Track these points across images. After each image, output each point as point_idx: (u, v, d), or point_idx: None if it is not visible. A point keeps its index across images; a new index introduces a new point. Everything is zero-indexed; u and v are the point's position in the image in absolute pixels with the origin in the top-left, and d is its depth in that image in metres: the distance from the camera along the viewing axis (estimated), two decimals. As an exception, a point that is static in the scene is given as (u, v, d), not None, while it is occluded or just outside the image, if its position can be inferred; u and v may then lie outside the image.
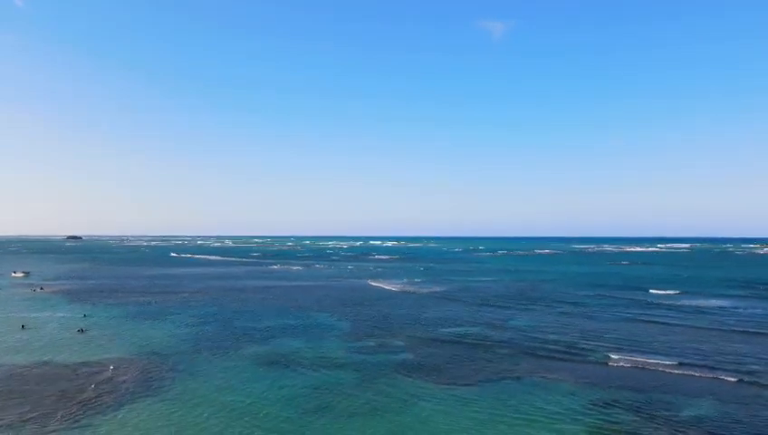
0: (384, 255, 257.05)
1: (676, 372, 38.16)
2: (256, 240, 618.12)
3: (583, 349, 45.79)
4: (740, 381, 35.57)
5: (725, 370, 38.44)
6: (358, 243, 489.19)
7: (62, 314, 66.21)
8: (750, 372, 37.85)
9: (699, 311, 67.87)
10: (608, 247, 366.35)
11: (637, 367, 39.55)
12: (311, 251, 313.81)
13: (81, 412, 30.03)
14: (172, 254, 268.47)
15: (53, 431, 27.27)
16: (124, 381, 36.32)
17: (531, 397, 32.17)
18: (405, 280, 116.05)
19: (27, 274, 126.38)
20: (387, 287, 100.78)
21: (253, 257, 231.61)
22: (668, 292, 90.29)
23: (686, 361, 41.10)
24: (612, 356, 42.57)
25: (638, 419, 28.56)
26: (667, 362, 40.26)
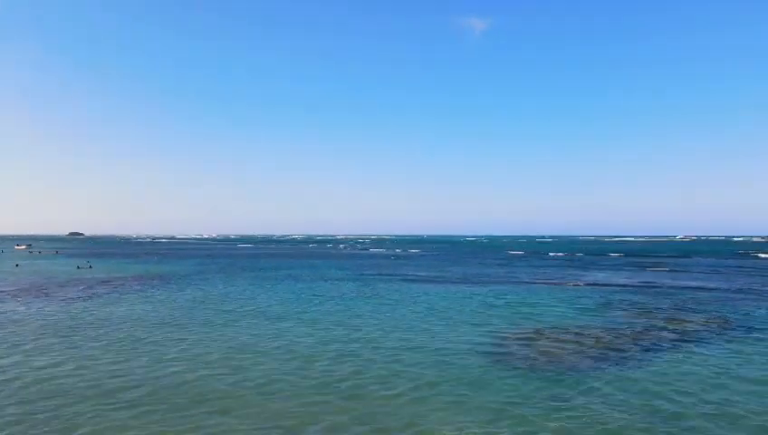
0: (368, 242, 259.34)
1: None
2: (258, 236, 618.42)
3: (558, 278, 46.81)
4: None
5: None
6: (342, 236, 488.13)
7: (61, 261, 67.45)
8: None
9: (659, 264, 69.12)
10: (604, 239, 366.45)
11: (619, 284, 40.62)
12: (296, 241, 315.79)
13: (87, 297, 31.24)
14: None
15: (65, 303, 28.44)
16: (131, 285, 37.55)
17: (499, 296, 32.78)
18: (398, 250, 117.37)
19: (29, 245, 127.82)
20: (379, 251, 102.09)
21: (251, 244, 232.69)
22: (643, 258, 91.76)
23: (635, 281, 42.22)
24: (581, 283, 43.17)
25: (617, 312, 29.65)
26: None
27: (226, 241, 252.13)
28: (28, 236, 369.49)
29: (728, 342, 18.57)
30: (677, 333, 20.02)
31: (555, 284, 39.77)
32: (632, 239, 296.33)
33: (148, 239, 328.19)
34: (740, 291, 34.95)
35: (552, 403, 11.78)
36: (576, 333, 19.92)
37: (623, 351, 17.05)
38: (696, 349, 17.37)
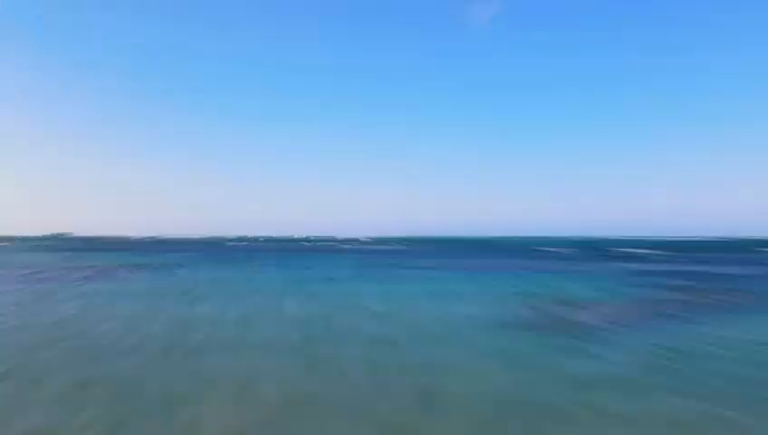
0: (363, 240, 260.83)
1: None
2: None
3: (564, 267, 45.99)
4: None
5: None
6: (341, 237, 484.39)
7: (48, 254, 66.20)
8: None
9: (672, 257, 68.81)
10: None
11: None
12: (292, 240, 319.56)
13: (97, 278, 30.04)
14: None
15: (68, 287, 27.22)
16: (118, 271, 36.42)
17: (506, 279, 31.97)
18: (388, 245, 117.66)
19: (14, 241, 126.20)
20: (374, 247, 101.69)
21: (244, 241, 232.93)
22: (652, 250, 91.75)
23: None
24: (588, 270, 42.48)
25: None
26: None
27: (221, 240, 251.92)
28: (17, 236, 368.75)
29: (751, 313, 17.65)
30: (696, 305, 19.29)
31: (565, 271, 38.84)
32: (639, 238, 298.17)
33: (143, 238, 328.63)
34: (751, 276, 34.43)
35: (564, 354, 11.30)
36: (591, 306, 19.14)
37: (643, 318, 16.42)
38: (714, 318, 16.63)
